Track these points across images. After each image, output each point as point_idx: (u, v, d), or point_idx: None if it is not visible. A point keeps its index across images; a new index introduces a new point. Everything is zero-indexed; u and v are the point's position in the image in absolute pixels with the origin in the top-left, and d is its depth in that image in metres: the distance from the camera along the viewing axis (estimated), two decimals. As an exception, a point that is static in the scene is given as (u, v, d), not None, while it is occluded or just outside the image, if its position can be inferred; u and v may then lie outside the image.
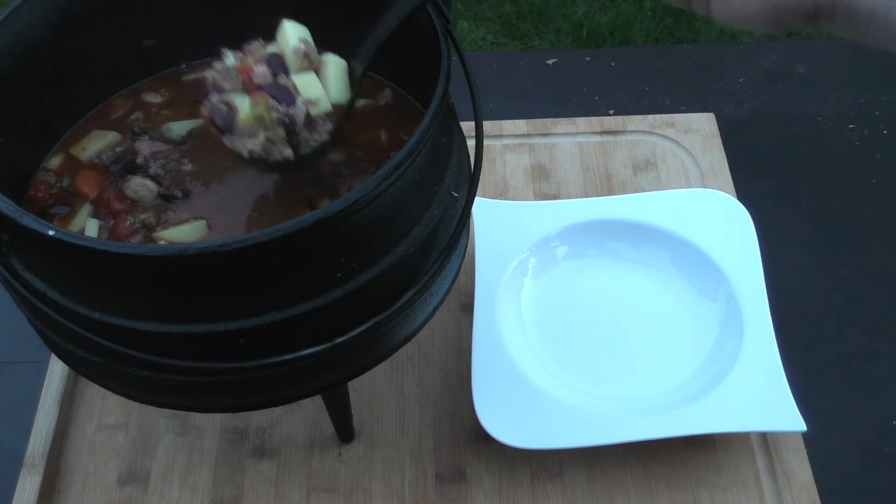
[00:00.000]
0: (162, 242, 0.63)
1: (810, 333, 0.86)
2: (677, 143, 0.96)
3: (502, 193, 0.94)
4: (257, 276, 0.52)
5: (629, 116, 0.99)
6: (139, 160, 0.67)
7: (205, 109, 0.61)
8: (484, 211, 0.86)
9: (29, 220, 0.50)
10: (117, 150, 0.69)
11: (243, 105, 0.60)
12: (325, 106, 0.61)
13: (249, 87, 0.60)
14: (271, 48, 0.61)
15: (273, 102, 0.59)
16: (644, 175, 0.94)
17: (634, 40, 1.86)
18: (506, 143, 0.98)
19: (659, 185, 0.93)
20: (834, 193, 0.97)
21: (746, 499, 0.73)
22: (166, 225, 0.64)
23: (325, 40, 0.63)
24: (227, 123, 0.60)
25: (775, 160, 1.00)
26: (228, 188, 0.66)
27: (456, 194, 0.61)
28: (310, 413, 0.79)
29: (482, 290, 0.80)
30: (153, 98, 0.72)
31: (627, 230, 0.85)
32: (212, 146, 0.69)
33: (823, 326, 0.87)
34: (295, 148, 0.60)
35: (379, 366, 0.63)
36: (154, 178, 0.66)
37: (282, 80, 0.59)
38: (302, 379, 0.60)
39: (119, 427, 0.79)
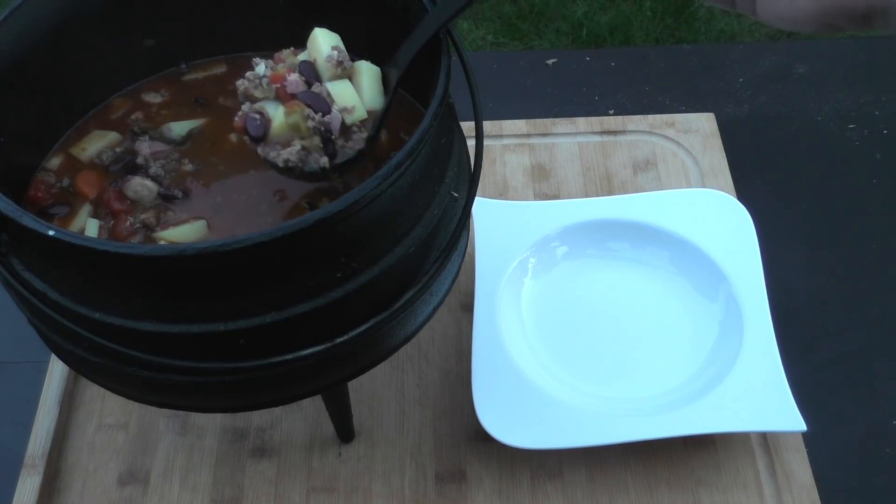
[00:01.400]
0: (162, 242, 0.62)
1: (810, 333, 0.86)
2: (677, 143, 0.96)
3: (502, 193, 0.94)
4: (257, 276, 0.52)
5: (629, 116, 0.99)
6: (139, 160, 0.67)
7: (238, 119, 0.60)
8: (484, 211, 0.86)
9: (29, 220, 0.50)
10: (117, 150, 0.69)
11: (277, 114, 0.59)
12: (360, 113, 0.60)
13: (283, 96, 0.59)
14: (301, 56, 0.61)
15: (309, 111, 0.58)
16: (644, 175, 0.94)
17: (634, 40, 1.86)
18: (506, 143, 0.98)
19: (659, 185, 0.93)
20: (834, 193, 0.97)
21: (746, 499, 0.73)
22: (166, 225, 0.64)
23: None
24: (260, 133, 0.59)
25: (775, 160, 1.00)
26: (228, 188, 0.66)
27: (456, 194, 0.61)
28: (310, 413, 0.79)
29: (482, 290, 0.80)
30: (153, 98, 0.72)
31: (627, 230, 0.85)
32: (212, 146, 0.69)
33: (823, 326, 0.87)
34: (331, 156, 0.60)
35: (379, 366, 0.63)
36: (154, 178, 0.66)
37: (316, 88, 0.59)
38: (302, 379, 0.59)
39: (119, 427, 0.79)
